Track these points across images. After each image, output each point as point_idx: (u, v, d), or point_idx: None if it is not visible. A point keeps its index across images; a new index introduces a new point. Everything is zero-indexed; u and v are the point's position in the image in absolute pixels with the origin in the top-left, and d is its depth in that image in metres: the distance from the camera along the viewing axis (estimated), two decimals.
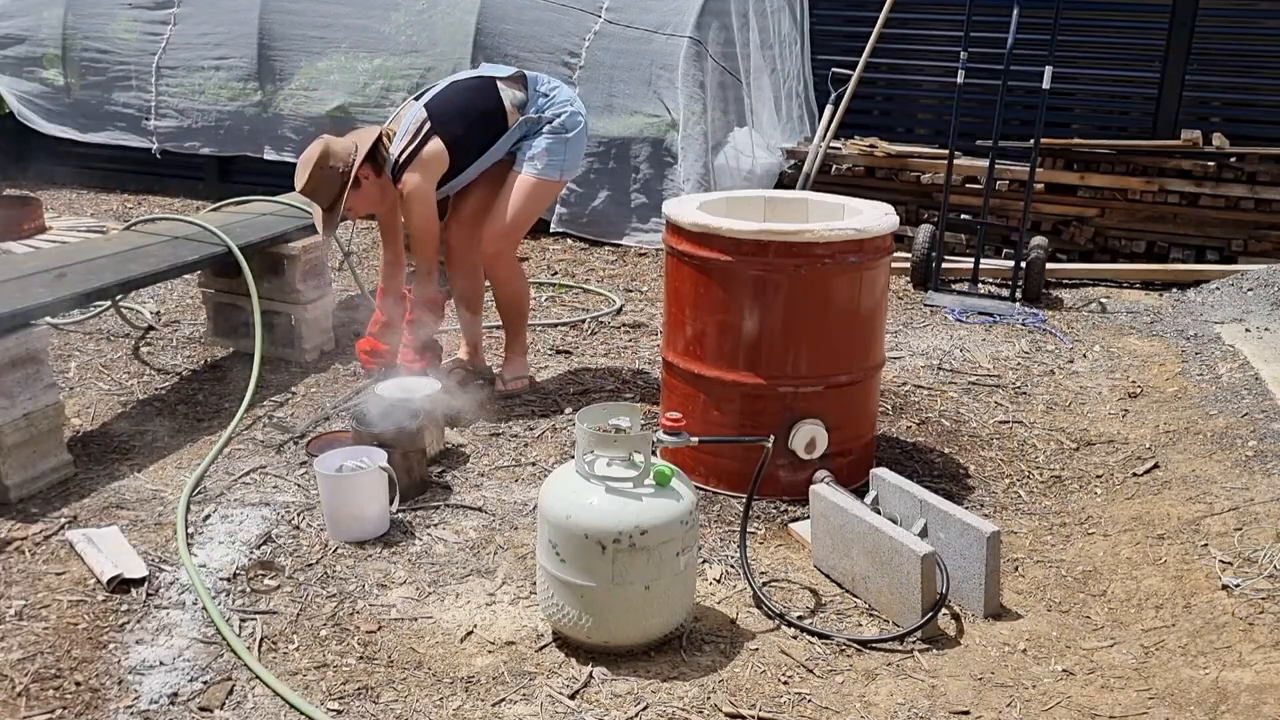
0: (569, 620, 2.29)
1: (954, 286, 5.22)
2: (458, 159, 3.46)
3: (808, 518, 2.79)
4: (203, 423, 3.48)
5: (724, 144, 6.00)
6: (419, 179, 3.38)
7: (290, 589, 2.55)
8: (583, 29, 6.01)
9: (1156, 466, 3.24)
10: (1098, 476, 3.26)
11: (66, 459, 3.05)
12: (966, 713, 2.16)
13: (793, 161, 6.22)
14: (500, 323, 3.88)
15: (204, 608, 2.43)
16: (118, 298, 4.10)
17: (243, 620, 2.42)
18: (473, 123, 3.47)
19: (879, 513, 2.63)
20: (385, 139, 3.45)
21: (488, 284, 3.80)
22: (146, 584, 2.52)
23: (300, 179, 3.36)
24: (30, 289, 3.10)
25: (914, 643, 2.39)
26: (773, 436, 2.56)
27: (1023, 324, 4.71)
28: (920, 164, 5.93)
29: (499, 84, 3.52)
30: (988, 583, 2.49)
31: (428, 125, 3.39)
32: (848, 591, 2.61)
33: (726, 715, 2.15)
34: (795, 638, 2.41)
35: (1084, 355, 4.36)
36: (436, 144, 3.39)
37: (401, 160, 3.39)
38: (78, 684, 2.18)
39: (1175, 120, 6.15)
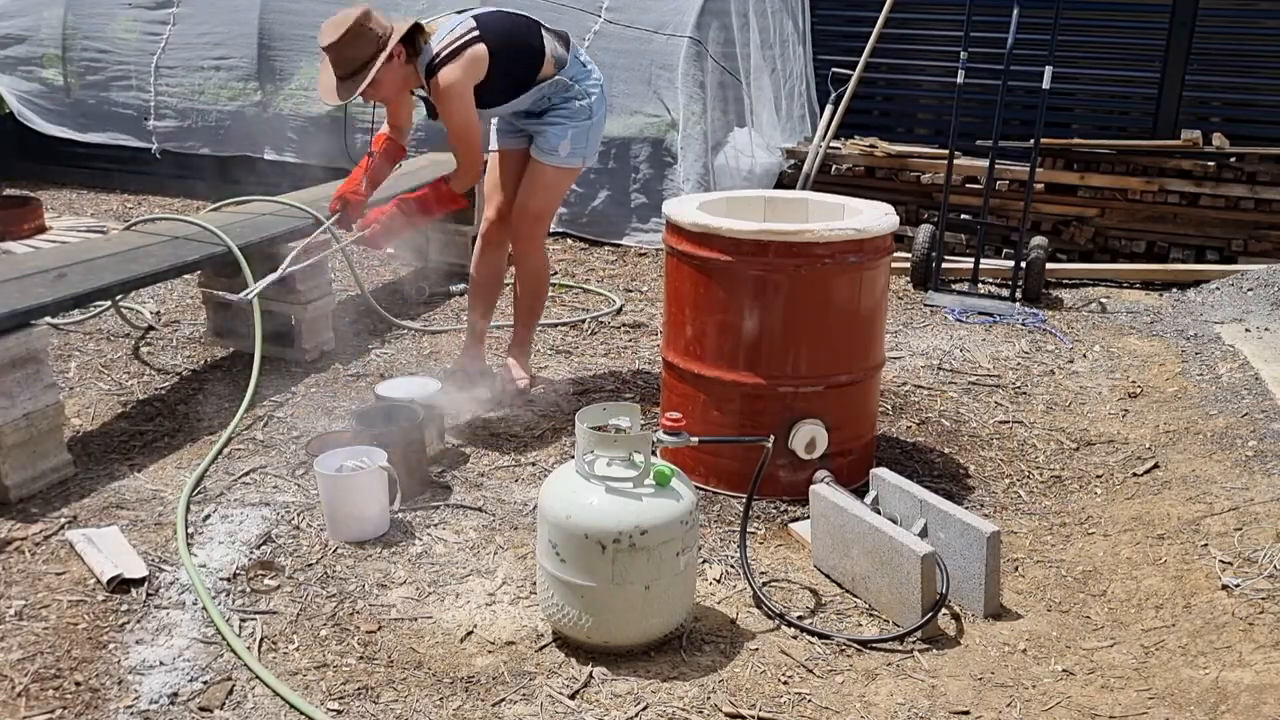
0: (569, 620, 2.29)
1: (954, 286, 5.22)
2: (493, 79, 3.31)
3: (808, 518, 2.79)
4: (203, 423, 3.48)
5: (724, 144, 6.00)
6: (458, 74, 3.23)
7: (290, 589, 2.55)
8: (583, 29, 6.01)
9: (1156, 466, 3.24)
10: (1098, 476, 3.26)
11: (66, 459, 3.05)
12: (966, 713, 2.16)
13: (793, 161, 6.22)
14: (503, 323, 3.88)
15: (204, 608, 2.43)
16: (118, 298, 4.10)
17: (243, 620, 2.42)
18: (516, 51, 3.36)
19: (879, 513, 2.63)
20: (422, 31, 3.32)
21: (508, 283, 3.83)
22: (146, 584, 2.52)
23: (332, 34, 3.17)
24: (30, 289, 3.10)
25: (914, 643, 2.39)
26: (773, 436, 2.56)
27: (1023, 324, 4.71)
28: (920, 164, 5.93)
29: (543, 30, 3.45)
30: (988, 583, 2.49)
31: (474, 33, 3.29)
32: (848, 591, 2.61)
33: (726, 715, 2.15)
34: (795, 638, 2.41)
35: (1084, 355, 4.36)
36: (480, 49, 3.27)
37: (440, 57, 3.24)
38: (78, 684, 2.18)
39: (1175, 120, 6.15)
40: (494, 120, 3.66)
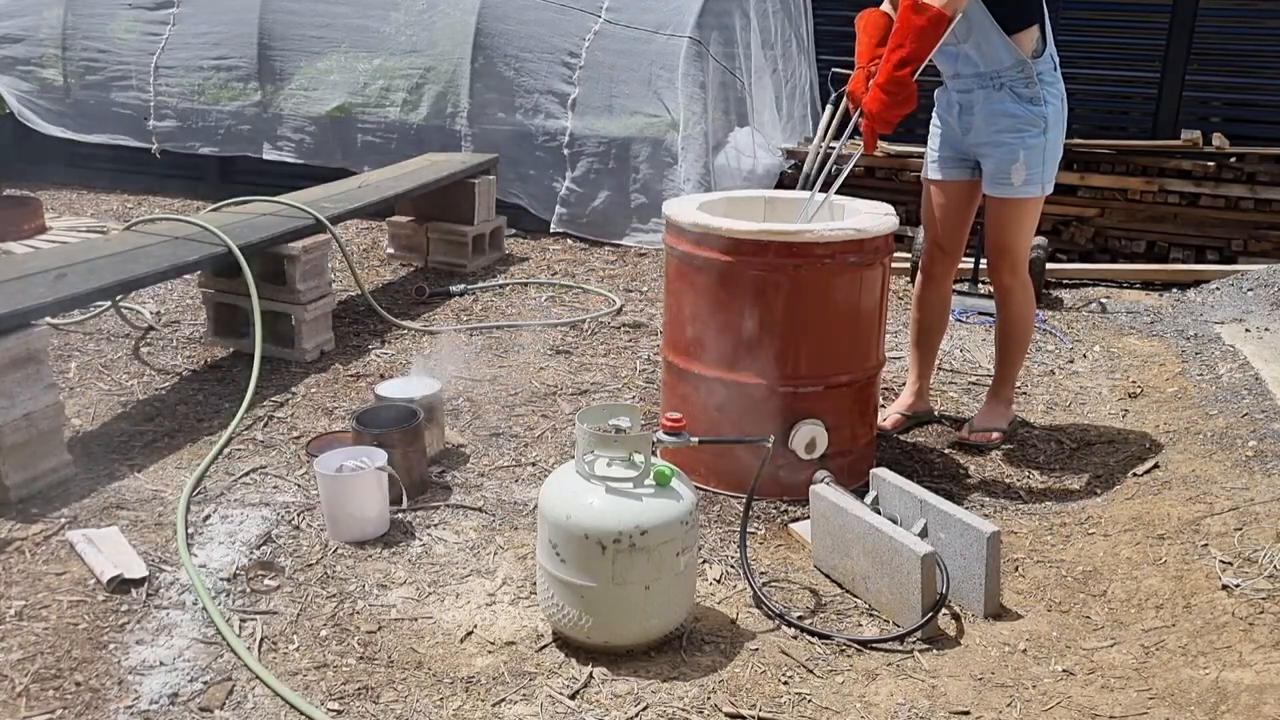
0: (569, 620, 2.29)
1: (954, 286, 5.21)
2: None
3: (808, 518, 2.79)
4: (203, 423, 3.48)
5: (724, 144, 6.00)
6: None
7: (290, 589, 2.55)
8: (583, 29, 6.01)
9: (1156, 466, 3.24)
10: (1098, 476, 3.26)
11: (66, 459, 3.05)
12: (966, 713, 2.16)
13: (793, 161, 6.22)
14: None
15: (204, 608, 2.43)
16: (118, 298, 4.10)
17: (243, 620, 2.42)
18: None
19: (879, 513, 2.63)
20: None
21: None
22: (146, 584, 2.52)
23: None
24: (30, 289, 3.10)
25: (914, 643, 2.39)
26: (773, 436, 2.56)
27: None
28: (920, 164, 5.92)
29: (1045, 5, 3.12)
30: (988, 583, 2.49)
31: None
32: (848, 591, 2.61)
33: (726, 715, 2.14)
34: (795, 638, 2.41)
35: (1084, 355, 4.36)
36: None
37: None
38: (78, 684, 2.18)
39: (1175, 120, 6.16)
40: (931, 146, 3.43)
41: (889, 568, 2.45)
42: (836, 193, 3.25)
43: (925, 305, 3.54)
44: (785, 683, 2.25)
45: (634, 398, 3.81)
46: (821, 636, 2.41)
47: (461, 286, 5.00)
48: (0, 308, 2.90)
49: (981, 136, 3.23)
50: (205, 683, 2.20)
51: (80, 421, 3.44)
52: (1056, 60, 3.22)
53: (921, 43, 2.90)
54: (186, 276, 4.32)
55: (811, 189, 3.38)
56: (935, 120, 3.41)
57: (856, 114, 3.09)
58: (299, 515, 2.88)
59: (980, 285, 5.16)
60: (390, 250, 5.53)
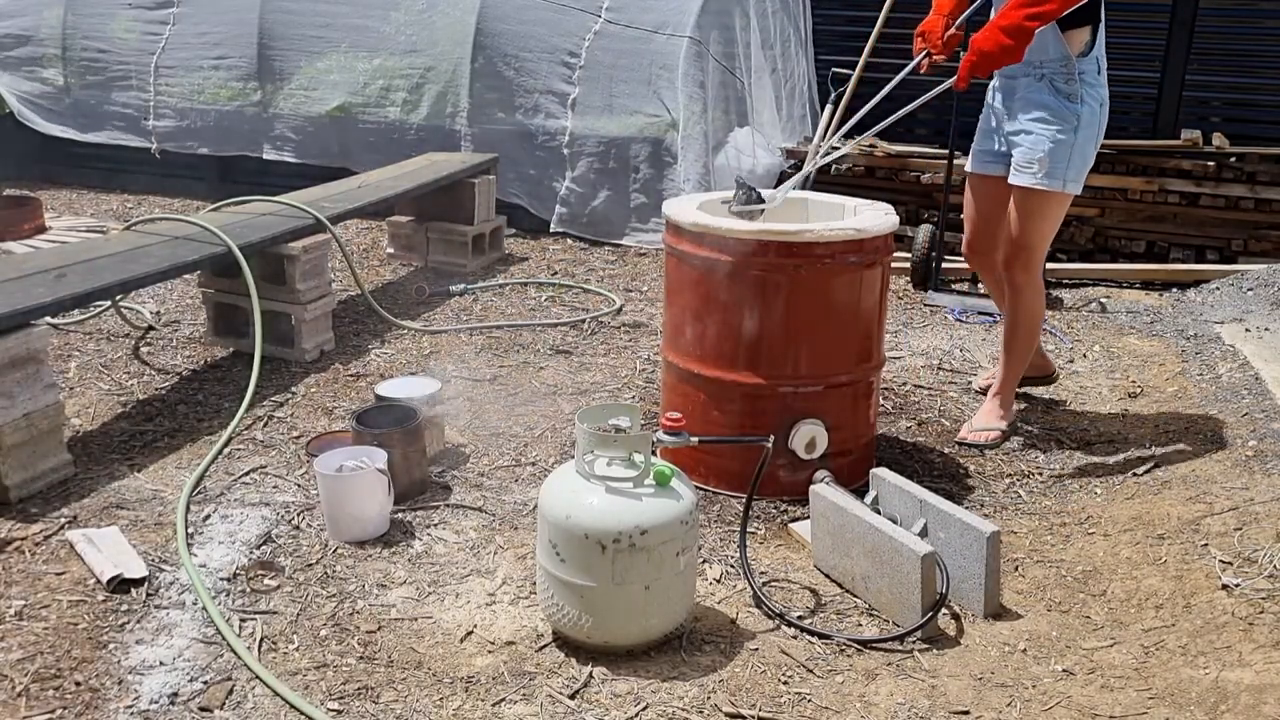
0: (569, 620, 2.29)
1: (954, 286, 5.22)
2: None
3: (808, 518, 2.79)
4: (203, 423, 3.48)
5: (724, 144, 6.00)
6: None
7: (290, 589, 2.55)
8: (583, 29, 6.01)
9: (1156, 466, 3.24)
10: (1098, 476, 3.26)
11: (66, 459, 3.05)
12: (966, 713, 2.16)
13: (793, 161, 6.22)
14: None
15: (204, 608, 2.43)
16: (118, 298, 4.10)
17: (243, 620, 2.42)
18: None
19: (879, 513, 2.63)
20: None
21: None
22: (146, 584, 2.52)
23: None
24: (30, 289, 3.10)
25: (914, 643, 2.39)
26: (773, 436, 2.56)
27: None
28: (920, 164, 5.93)
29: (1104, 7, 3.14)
30: (988, 583, 2.49)
31: None
32: (848, 591, 2.61)
33: (726, 715, 2.15)
34: (795, 638, 2.41)
35: (1084, 355, 4.36)
36: None
37: None
38: (78, 684, 2.18)
39: (1175, 120, 6.15)
40: (976, 139, 3.50)
41: (889, 567, 2.45)
42: (835, 192, 3.26)
43: (987, 284, 3.81)
44: (785, 682, 2.25)
45: (634, 398, 3.81)
46: (821, 636, 2.41)
47: (461, 286, 5.00)
48: (0, 308, 2.90)
49: (1015, 124, 3.29)
50: (205, 682, 2.20)
51: (80, 421, 3.44)
52: (1103, 64, 3.23)
53: (1063, 2, 2.95)
54: (186, 276, 4.32)
55: (805, 182, 3.42)
56: (984, 112, 3.50)
57: (922, 55, 3.30)
58: (299, 515, 2.88)
59: (980, 285, 5.17)
60: (390, 250, 5.53)
